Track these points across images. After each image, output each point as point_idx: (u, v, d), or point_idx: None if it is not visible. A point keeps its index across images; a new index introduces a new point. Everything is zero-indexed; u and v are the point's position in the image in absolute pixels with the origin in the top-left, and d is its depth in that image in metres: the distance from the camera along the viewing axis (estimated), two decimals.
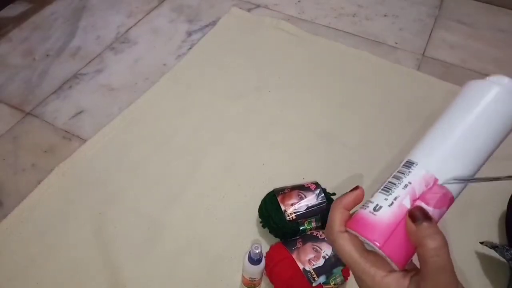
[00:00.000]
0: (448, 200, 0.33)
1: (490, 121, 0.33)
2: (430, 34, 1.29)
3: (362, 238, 0.33)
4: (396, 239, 0.32)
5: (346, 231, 0.35)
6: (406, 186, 0.33)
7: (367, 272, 0.32)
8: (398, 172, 0.35)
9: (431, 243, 0.30)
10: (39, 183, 0.91)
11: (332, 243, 0.35)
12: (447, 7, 1.39)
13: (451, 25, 1.32)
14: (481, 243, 0.78)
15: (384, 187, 0.34)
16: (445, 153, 0.34)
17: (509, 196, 0.85)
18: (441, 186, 0.33)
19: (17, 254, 0.81)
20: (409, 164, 0.34)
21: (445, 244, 0.30)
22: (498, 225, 0.86)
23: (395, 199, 0.33)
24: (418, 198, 0.33)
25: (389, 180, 0.34)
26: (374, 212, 0.33)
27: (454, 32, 1.30)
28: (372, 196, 0.35)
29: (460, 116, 0.34)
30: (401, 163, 0.36)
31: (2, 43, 1.25)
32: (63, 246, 0.82)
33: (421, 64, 1.20)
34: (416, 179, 0.33)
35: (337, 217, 0.35)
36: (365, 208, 0.34)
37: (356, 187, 0.37)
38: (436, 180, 0.33)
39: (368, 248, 0.34)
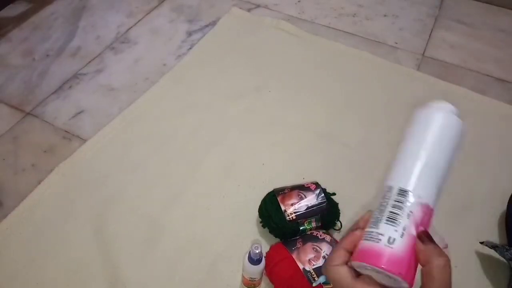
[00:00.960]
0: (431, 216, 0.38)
1: (443, 141, 0.40)
2: (430, 34, 1.29)
3: (381, 271, 0.35)
4: (411, 265, 0.35)
5: (347, 264, 0.38)
6: (408, 215, 0.37)
7: None
8: (395, 201, 0.38)
9: (439, 261, 0.34)
10: (39, 183, 0.91)
11: (328, 277, 0.38)
12: (447, 7, 1.39)
13: (451, 25, 1.32)
14: (481, 243, 0.78)
15: (389, 218, 0.37)
16: (421, 176, 0.39)
17: (509, 196, 0.85)
18: (429, 207, 0.38)
19: (17, 254, 0.81)
20: (403, 193, 0.38)
21: (449, 262, 0.34)
22: (498, 225, 0.86)
23: (404, 229, 0.36)
24: (419, 225, 0.37)
25: (390, 210, 0.37)
26: (390, 245, 0.35)
27: (454, 32, 1.30)
28: (371, 225, 0.38)
29: (419, 142, 0.41)
30: (387, 189, 0.40)
31: (2, 43, 1.25)
32: (63, 246, 0.82)
33: (421, 64, 1.20)
34: (415, 208, 0.37)
35: (336, 254, 0.39)
36: (377, 241, 0.36)
37: (356, 228, 0.40)
38: (429, 206, 0.38)
39: (373, 276, 0.37)
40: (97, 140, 0.99)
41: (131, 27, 1.31)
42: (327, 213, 0.80)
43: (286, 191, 0.81)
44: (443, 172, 0.40)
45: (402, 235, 0.36)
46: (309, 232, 0.78)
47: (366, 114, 1.06)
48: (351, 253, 0.38)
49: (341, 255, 0.38)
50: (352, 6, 1.39)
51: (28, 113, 1.06)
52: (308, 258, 0.72)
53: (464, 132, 0.41)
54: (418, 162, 0.39)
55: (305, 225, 0.78)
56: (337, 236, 0.82)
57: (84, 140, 1.00)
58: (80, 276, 0.78)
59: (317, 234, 0.76)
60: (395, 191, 0.38)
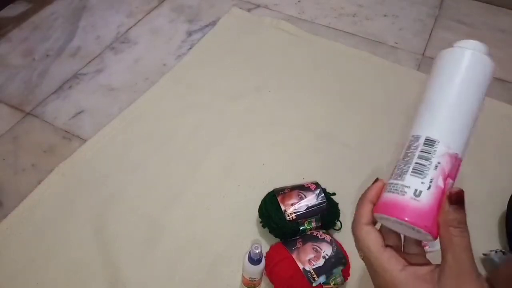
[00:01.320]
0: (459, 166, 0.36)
1: (473, 83, 0.37)
2: (430, 34, 1.29)
3: (404, 223, 0.33)
4: (437, 217, 0.34)
5: (374, 223, 0.36)
6: (436, 166, 0.34)
7: (383, 267, 0.33)
8: (422, 151, 0.35)
9: (458, 225, 0.32)
10: (39, 183, 0.91)
11: (356, 235, 0.36)
12: (447, 7, 1.39)
13: (451, 25, 1.32)
14: (484, 254, 0.78)
15: (416, 169, 0.35)
16: (450, 123, 0.36)
17: (509, 196, 0.85)
18: (458, 157, 0.35)
19: (17, 254, 0.81)
20: (431, 143, 0.35)
21: (467, 231, 0.33)
22: (498, 225, 0.86)
23: (431, 181, 0.34)
24: (448, 176, 0.34)
25: (416, 161, 0.35)
26: (416, 198, 0.33)
27: (454, 32, 1.30)
28: (395, 177, 0.36)
29: (447, 85, 0.37)
30: (413, 138, 0.37)
31: (2, 43, 1.25)
32: (63, 246, 0.82)
33: (421, 64, 1.20)
34: (443, 159, 0.35)
35: (364, 210, 0.36)
36: (402, 194, 0.34)
37: (376, 179, 0.38)
38: (458, 156, 0.35)
39: (393, 228, 0.35)
40: (97, 140, 0.99)
41: (131, 27, 1.31)
42: (327, 213, 0.80)
43: (286, 191, 0.82)
44: (473, 118, 0.37)
45: (429, 187, 0.34)
46: (309, 232, 0.78)
47: (366, 114, 1.06)
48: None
49: (369, 210, 0.36)
50: (352, 6, 1.39)
51: (28, 113, 1.06)
52: (308, 258, 0.72)
53: (493, 71, 0.38)
54: (446, 109, 0.36)
55: (305, 225, 0.78)
56: (337, 236, 0.81)
57: (84, 140, 1.00)
58: (80, 276, 0.78)
59: (317, 234, 0.76)
60: (421, 140, 0.36)
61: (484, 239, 0.81)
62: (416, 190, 0.34)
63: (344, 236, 0.82)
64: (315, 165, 0.95)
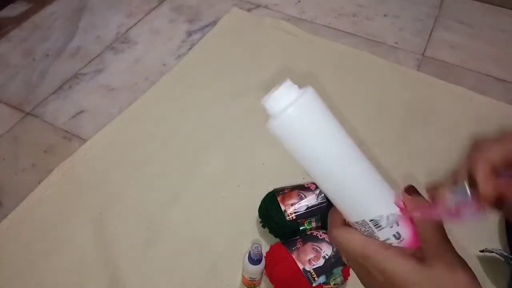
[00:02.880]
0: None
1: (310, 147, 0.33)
2: (430, 34, 1.29)
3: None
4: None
5: (347, 224, 0.36)
6: (392, 224, 0.34)
7: (375, 249, 0.34)
8: (377, 228, 0.34)
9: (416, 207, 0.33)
10: (39, 183, 0.91)
11: (334, 236, 0.36)
12: (447, 7, 1.39)
13: (451, 25, 1.32)
14: (481, 251, 0.78)
15: (380, 233, 0.34)
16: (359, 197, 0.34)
17: None
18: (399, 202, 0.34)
19: (17, 254, 0.81)
20: (376, 222, 0.33)
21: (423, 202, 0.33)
22: (498, 226, 0.85)
23: (396, 224, 0.34)
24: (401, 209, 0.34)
25: (377, 234, 0.34)
26: (400, 239, 0.34)
27: (454, 32, 1.30)
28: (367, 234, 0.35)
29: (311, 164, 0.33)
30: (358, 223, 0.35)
31: (2, 43, 1.25)
32: (63, 246, 0.82)
33: (421, 64, 1.20)
34: (392, 218, 0.33)
35: (336, 214, 0.36)
36: (390, 242, 0.34)
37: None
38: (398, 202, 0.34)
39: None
40: (97, 140, 0.99)
41: (131, 27, 1.31)
42: (327, 213, 0.80)
43: (286, 191, 0.81)
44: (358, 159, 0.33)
45: (397, 226, 0.33)
46: (309, 232, 0.78)
47: (366, 114, 1.06)
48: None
49: (340, 217, 0.36)
50: (352, 6, 1.39)
51: (28, 113, 1.06)
52: (308, 258, 0.72)
53: (313, 98, 0.33)
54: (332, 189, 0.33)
55: (305, 225, 0.78)
56: None
57: (84, 140, 1.00)
58: (80, 276, 0.78)
59: (317, 234, 0.76)
60: (369, 224, 0.34)
61: (484, 239, 0.81)
62: (394, 235, 0.34)
63: None
64: None
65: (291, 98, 0.32)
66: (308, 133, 0.32)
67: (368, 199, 0.33)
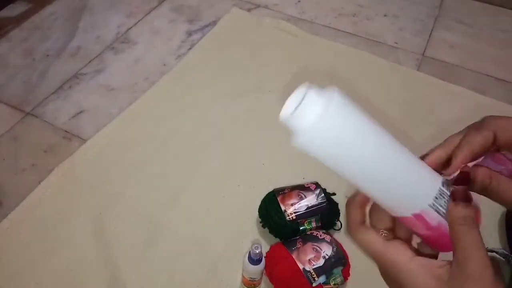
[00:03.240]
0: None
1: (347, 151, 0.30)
2: (430, 34, 1.29)
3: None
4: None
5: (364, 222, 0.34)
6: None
7: (390, 261, 0.32)
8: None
9: (464, 222, 0.30)
10: (39, 183, 0.91)
11: (355, 238, 0.34)
12: (447, 7, 1.39)
13: (451, 25, 1.32)
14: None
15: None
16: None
17: None
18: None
19: (17, 254, 0.81)
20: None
21: (476, 228, 0.30)
22: (498, 225, 0.85)
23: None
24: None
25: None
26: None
27: (454, 32, 1.30)
28: None
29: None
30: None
31: (2, 43, 1.25)
32: (63, 246, 0.82)
33: (421, 64, 1.20)
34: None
35: (354, 213, 0.35)
36: None
37: (348, 203, 0.37)
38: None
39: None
40: (97, 140, 0.99)
41: (131, 27, 1.30)
42: (327, 213, 0.80)
43: (286, 191, 0.81)
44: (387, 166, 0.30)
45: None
46: (309, 232, 0.78)
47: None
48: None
49: (360, 212, 0.34)
50: (352, 6, 1.39)
51: (28, 113, 1.06)
52: (308, 258, 0.72)
53: (342, 97, 0.29)
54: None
55: (305, 225, 0.78)
56: (337, 236, 0.81)
57: (84, 140, 1.00)
58: (80, 276, 0.78)
59: (317, 234, 0.76)
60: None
61: (484, 239, 0.81)
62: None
63: (344, 236, 0.81)
64: (315, 165, 0.95)
65: (318, 108, 0.28)
66: (345, 140, 0.29)
67: (421, 183, 0.31)
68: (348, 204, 0.36)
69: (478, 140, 0.33)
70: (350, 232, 0.35)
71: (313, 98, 0.29)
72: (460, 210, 0.30)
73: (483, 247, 0.29)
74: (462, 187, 0.32)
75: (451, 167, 0.33)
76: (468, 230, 0.29)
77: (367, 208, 0.35)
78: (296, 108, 0.28)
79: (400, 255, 0.31)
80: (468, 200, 0.31)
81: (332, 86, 0.30)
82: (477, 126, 0.35)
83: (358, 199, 0.36)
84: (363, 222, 0.35)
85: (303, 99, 0.29)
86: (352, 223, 0.35)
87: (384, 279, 0.34)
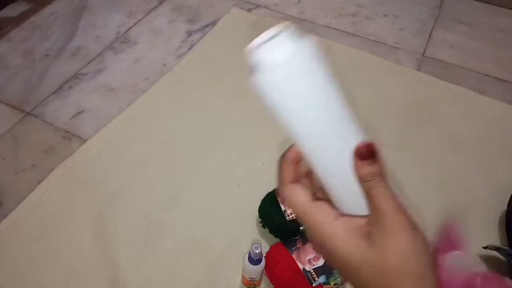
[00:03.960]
0: None
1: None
2: (430, 34, 1.29)
3: None
4: None
5: (298, 181, 0.33)
6: None
7: (314, 220, 0.31)
8: None
9: (372, 177, 0.29)
10: (39, 183, 0.91)
11: (283, 195, 0.33)
12: (447, 7, 1.39)
13: (451, 25, 1.32)
14: (485, 247, 0.78)
15: None
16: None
17: (509, 196, 0.85)
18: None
19: (17, 254, 0.81)
20: None
21: (384, 181, 0.29)
22: (498, 225, 0.86)
23: None
24: None
25: None
26: None
27: (454, 32, 1.30)
28: None
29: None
30: None
31: (2, 43, 1.25)
32: (63, 246, 0.82)
33: (421, 64, 1.20)
34: None
35: (287, 169, 0.34)
36: None
37: (281, 162, 0.36)
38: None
39: None
40: (97, 140, 0.99)
41: (131, 27, 1.31)
42: None
43: None
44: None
45: None
46: None
47: (366, 114, 1.05)
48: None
49: (292, 169, 0.34)
50: (352, 6, 1.39)
51: (28, 113, 1.06)
52: (308, 258, 0.72)
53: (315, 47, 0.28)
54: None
55: None
56: None
57: (84, 140, 1.00)
58: (80, 276, 0.78)
59: None
60: None
61: (484, 238, 0.81)
62: None
63: None
64: None
65: (288, 49, 0.26)
66: (302, 91, 0.28)
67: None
68: (280, 160, 0.35)
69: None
70: (279, 189, 0.34)
71: (288, 38, 0.27)
72: (366, 168, 0.29)
73: (394, 197, 0.29)
74: (364, 143, 0.31)
75: None
76: (376, 185, 0.29)
77: (300, 166, 0.34)
78: (268, 41, 0.27)
79: (324, 214, 0.31)
80: (372, 156, 0.30)
81: (311, 34, 0.28)
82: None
83: (290, 155, 0.35)
84: (294, 180, 0.34)
85: (277, 35, 0.27)
86: (282, 180, 0.34)
87: (311, 240, 0.33)
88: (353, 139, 0.30)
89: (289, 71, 0.27)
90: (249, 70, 0.28)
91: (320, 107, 0.29)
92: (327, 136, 0.29)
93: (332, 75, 0.30)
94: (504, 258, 0.77)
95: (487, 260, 0.80)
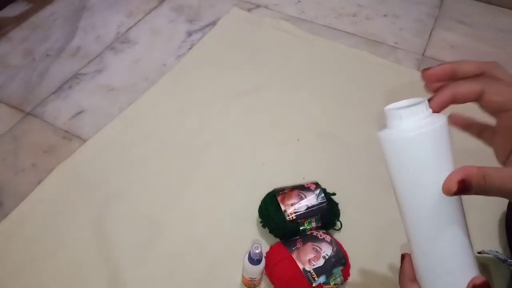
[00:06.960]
0: None
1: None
2: (430, 34, 1.29)
3: None
4: None
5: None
6: None
7: None
8: None
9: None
10: (39, 183, 0.91)
11: None
12: (447, 7, 1.39)
13: (451, 25, 1.32)
14: (479, 253, 0.78)
15: None
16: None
17: None
18: None
19: (17, 254, 0.81)
20: None
21: None
22: (498, 225, 0.86)
23: None
24: None
25: None
26: None
27: (454, 32, 1.30)
28: None
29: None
30: None
31: (2, 43, 1.25)
32: (63, 246, 0.82)
33: (421, 64, 1.20)
34: None
35: (407, 267, 0.37)
36: None
37: (403, 256, 0.38)
38: None
39: None
40: (97, 140, 0.99)
41: (131, 27, 1.31)
42: (327, 213, 0.80)
43: (286, 191, 0.82)
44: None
45: None
46: (309, 232, 0.78)
47: (366, 114, 1.06)
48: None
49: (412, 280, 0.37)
50: (352, 6, 1.39)
51: (28, 113, 1.06)
52: (308, 258, 0.72)
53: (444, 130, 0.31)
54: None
55: (305, 225, 0.78)
56: (337, 236, 0.81)
57: (84, 140, 1.00)
58: (80, 276, 0.78)
59: (317, 234, 0.76)
60: None
61: (485, 239, 0.81)
62: None
63: (344, 236, 0.82)
64: (315, 165, 0.95)
65: (425, 120, 0.30)
66: (424, 165, 0.29)
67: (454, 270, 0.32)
68: (403, 257, 0.38)
69: (463, 89, 0.34)
70: (400, 283, 0.37)
71: (423, 109, 0.31)
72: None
73: None
74: (482, 279, 0.33)
75: (432, 101, 0.35)
76: None
77: None
78: (406, 107, 0.30)
79: None
80: None
81: (446, 113, 0.32)
82: (481, 70, 0.35)
83: (408, 273, 0.37)
84: (414, 278, 0.36)
85: (415, 104, 0.30)
86: (403, 277, 0.37)
87: None
88: (471, 269, 0.33)
89: (419, 137, 0.30)
90: (382, 125, 0.32)
91: (430, 183, 0.30)
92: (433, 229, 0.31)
93: (451, 155, 0.32)
94: (502, 262, 0.77)
95: (483, 258, 0.80)
